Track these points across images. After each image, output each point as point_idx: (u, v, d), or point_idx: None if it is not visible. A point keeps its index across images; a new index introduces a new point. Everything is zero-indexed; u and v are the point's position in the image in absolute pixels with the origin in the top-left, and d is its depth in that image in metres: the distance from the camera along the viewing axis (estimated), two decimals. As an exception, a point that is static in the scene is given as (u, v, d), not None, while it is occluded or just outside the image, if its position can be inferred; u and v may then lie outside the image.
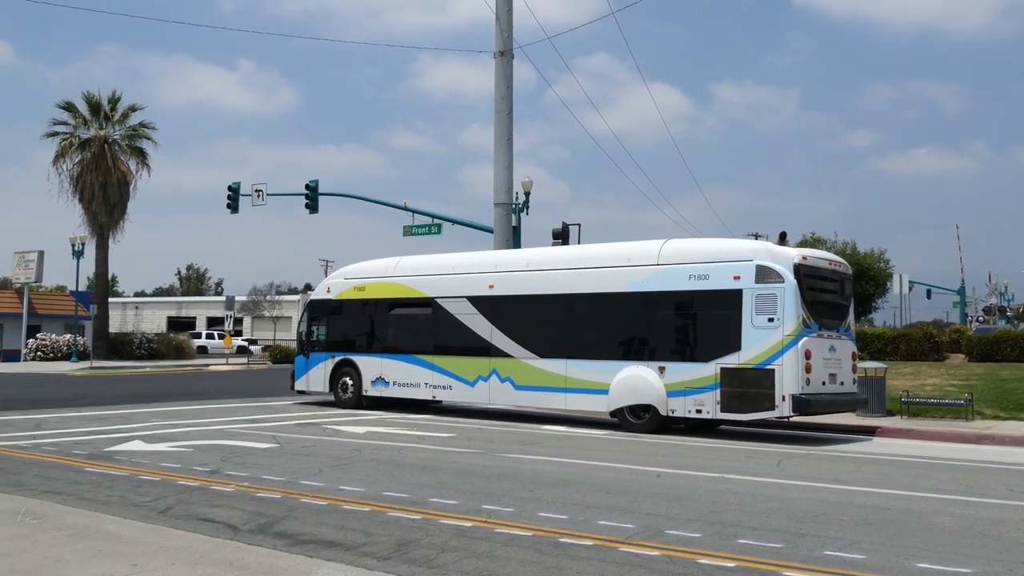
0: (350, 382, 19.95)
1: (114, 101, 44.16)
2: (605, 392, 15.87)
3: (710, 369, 14.73)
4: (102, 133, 43.19)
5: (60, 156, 42.89)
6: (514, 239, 26.53)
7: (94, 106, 43.64)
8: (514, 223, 26.64)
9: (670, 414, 15.23)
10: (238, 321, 61.66)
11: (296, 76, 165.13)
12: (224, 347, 46.66)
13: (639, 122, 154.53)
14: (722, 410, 14.66)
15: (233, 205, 35.22)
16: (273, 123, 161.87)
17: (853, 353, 15.74)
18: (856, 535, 7.50)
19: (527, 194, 29.22)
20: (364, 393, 19.66)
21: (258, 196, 35.20)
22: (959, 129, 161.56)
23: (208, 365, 42.42)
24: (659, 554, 6.76)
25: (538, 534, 7.38)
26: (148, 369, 37.79)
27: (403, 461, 11.74)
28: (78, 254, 43.23)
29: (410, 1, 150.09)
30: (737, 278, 14.66)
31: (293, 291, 73.14)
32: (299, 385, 21.11)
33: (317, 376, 20.54)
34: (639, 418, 15.63)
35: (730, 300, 14.65)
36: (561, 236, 27.41)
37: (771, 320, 14.24)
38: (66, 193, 42.91)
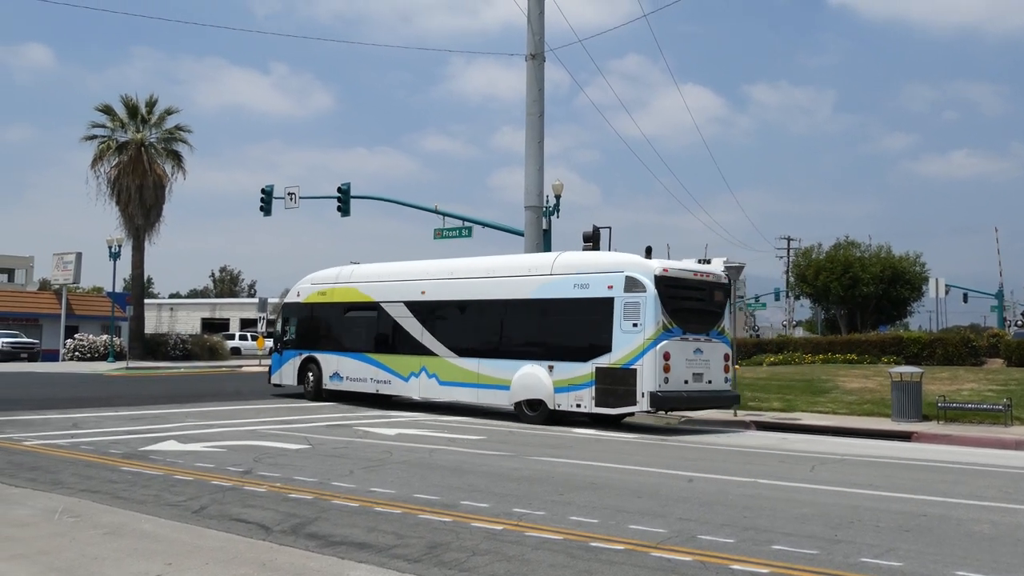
0: (311, 377, 22.23)
1: (151, 104, 44.62)
2: (507, 388, 17.69)
3: (587, 368, 16.41)
4: (139, 136, 43.66)
5: (98, 159, 43.39)
6: (544, 242, 26.48)
7: (131, 109, 44.12)
8: (545, 226, 26.58)
9: (556, 408, 16.92)
10: (271, 323, 62.14)
11: (329, 79, 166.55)
12: (257, 348, 47.06)
13: (672, 124, 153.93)
14: (596, 405, 16.31)
15: (266, 208, 35.52)
16: (305, 126, 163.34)
17: (726, 355, 17.08)
18: (893, 542, 7.39)
19: (558, 197, 29.11)
20: (324, 387, 21.84)
21: (291, 199, 35.46)
22: (999, 131, 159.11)
23: (241, 366, 42.82)
24: (692, 559, 6.70)
25: (569, 538, 7.35)
26: (182, 370, 38.22)
27: (434, 463, 11.76)
28: (115, 256, 43.80)
29: (441, 5, 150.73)
30: (610, 288, 16.39)
31: (325, 293, 73.36)
32: (275, 379, 23.51)
33: (288, 371, 22.95)
34: (533, 411, 17.36)
35: (604, 307, 16.34)
36: (592, 239, 27.29)
37: (635, 325, 15.89)
38: (104, 196, 43.41)
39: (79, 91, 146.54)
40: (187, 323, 74.48)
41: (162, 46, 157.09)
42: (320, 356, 22.06)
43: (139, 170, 42.66)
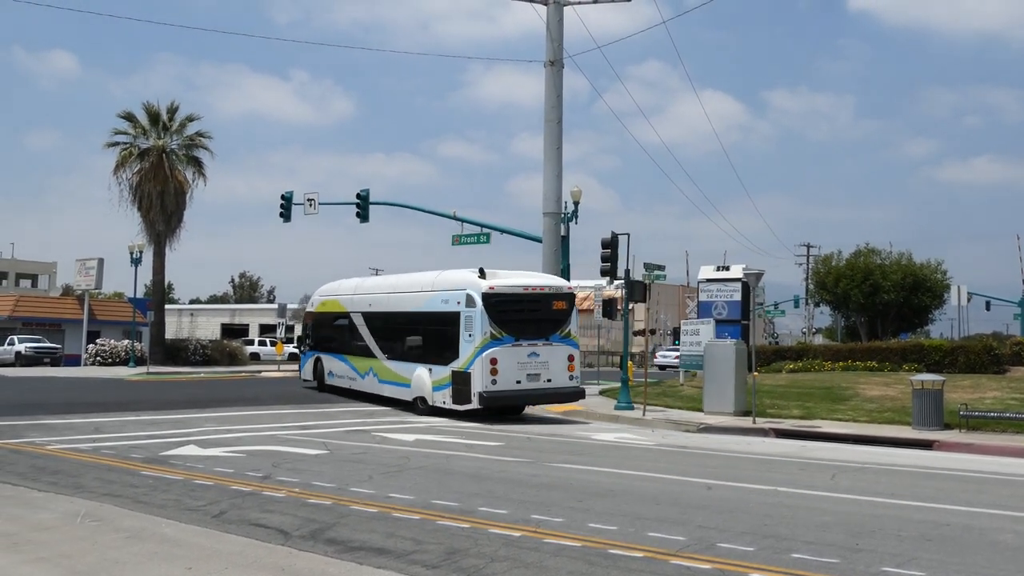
0: (319, 373, 26.59)
1: (172, 111, 44.86)
2: (409, 386, 20.80)
3: (447, 371, 19.24)
4: (160, 143, 43.92)
5: (120, 165, 43.62)
6: (562, 248, 26.48)
7: (153, 116, 44.38)
8: (563, 232, 26.59)
9: (434, 404, 19.81)
10: (290, 328, 62.46)
11: (349, 86, 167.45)
12: (276, 354, 47.28)
13: (691, 130, 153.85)
14: (453, 402, 19.03)
15: (286, 214, 35.68)
16: (325, 132, 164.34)
17: (570, 356, 19.42)
18: (915, 551, 7.32)
19: (576, 203, 29.07)
20: (325, 382, 26.11)
21: (310, 205, 35.61)
22: (1022, 136, 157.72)
23: (260, 371, 42.95)
24: (711, 567, 6.67)
25: (588, 545, 7.33)
26: (202, 375, 38.41)
27: (452, 469, 11.76)
28: (136, 262, 44.05)
29: (460, 11, 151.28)
30: (459, 303, 19.20)
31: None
32: (302, 375, 28.37)
33: (308, 369, 27.67)
34: (424, 404, 20.17)
35: (454, 320, 19.16)
36: (610, 245, 27.25)
37: (470, 335, 18.64)
38: (125, 202, 43.51)
39: (102, 97, 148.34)
40: (207, 328, 74.85)
41: (184, 53, 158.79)
42: (323, 357, 26.46)
43: (160, 176, 42.92)
